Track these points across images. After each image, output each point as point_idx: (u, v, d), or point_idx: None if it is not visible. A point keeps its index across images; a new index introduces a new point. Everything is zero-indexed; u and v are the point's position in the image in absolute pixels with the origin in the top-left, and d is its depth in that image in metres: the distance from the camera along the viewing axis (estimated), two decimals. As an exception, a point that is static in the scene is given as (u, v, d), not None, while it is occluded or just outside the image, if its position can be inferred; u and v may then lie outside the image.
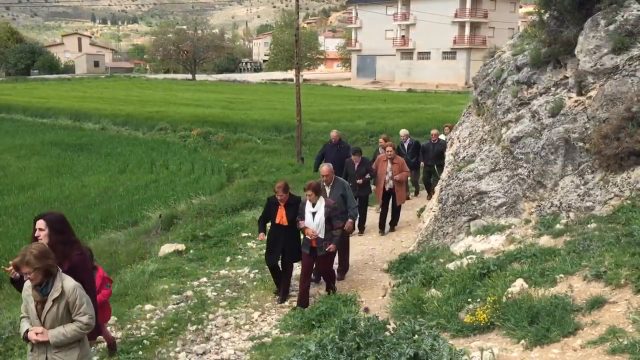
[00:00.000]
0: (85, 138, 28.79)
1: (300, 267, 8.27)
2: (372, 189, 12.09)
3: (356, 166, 11.17)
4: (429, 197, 13.60)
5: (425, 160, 14.36)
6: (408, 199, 14.03)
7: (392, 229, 11.92)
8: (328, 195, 8.55)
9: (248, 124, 30.46)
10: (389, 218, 11.98)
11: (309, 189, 7.73)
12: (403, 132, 14.73)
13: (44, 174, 20.35)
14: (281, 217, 8.09)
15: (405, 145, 14.37)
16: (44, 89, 56.80)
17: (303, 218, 7.85)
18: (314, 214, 7.73)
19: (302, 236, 8.18)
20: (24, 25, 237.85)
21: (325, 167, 8.84)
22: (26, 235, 13.28)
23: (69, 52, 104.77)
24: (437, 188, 11.04)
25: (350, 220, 8.69)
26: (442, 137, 14.78)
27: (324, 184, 8.68)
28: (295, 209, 8.07)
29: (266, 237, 8.42)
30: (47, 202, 16.38)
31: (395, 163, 11.34)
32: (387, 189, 11.36)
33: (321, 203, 7.73)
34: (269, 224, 8.47)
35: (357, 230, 11.25)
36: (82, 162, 22.82)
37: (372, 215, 12.79)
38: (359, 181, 10.96)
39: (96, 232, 13.82)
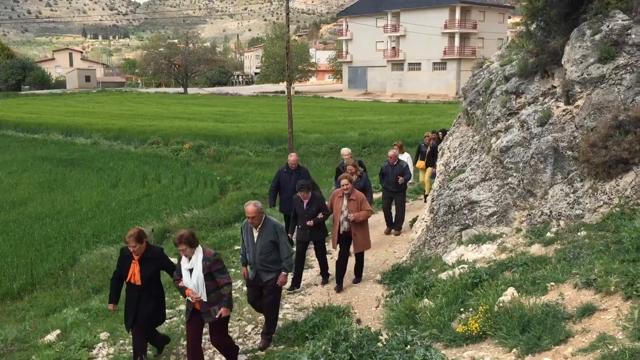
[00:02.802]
0: (77, 153, 28.76)
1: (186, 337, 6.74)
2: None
3: (305, 204, 9.09)
4: (388, 229, 12.42)
5: (384, 186, 12.43)
6: None
7: (356, 280, 9.56)
8: (255, 240, 7.11)
9: (240, 137, 30.51)
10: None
11: (181, 242, 6.14)
12: (345, 151, 12.43)
13: (35, 189, 20.30)
14: (133, 273, 6.49)
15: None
16: (35, 105, 56.69)
17: (181, 275, 6.38)
18: (190, 270, 6.24)
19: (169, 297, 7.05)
20: (14, 41, 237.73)
21: (250, 206, 6.99)
22: (18, 252, 13.29)
23: (60, 67, 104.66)
24: (428, 198, 11.07)
25: (283, 273, 7.17)
26: (402, 156, 13.30)
27: (251, 226, 7.16)
28: (154, 264, 6.59)
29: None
30: (39, 217, 16.33)
31: (353, 199, 8.95)
32: (341, 232, 9.05)
33: (197, 257, 6.21)
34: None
35: (289, 283, 9.19)
36: (74, 177, 22.77)
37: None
38: (309, 223, 8.96)
39: (88, 247, 13.78)
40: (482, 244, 7.58)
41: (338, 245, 9.24)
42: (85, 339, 7.47)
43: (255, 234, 7.13)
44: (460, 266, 7.04)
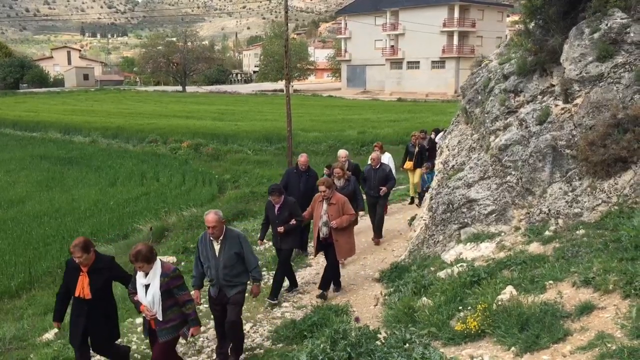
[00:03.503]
0: (75, 151, 28.76)
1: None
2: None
3: (277, 209, 8.57)
4: (376, 237, 11.76)
5: (367, 191, 11.70)
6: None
7: (321, 295, 8.70)
8: (217, 254, 6.52)
9: (239, 135, 30.53)
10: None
11: (138, 259, 5.60)
12: (342, 152, 11.88)
13: (33, 188, 20.31)
14: (82, 287, 5.90)
15: None
16: (33, 103, 56.68)
17: (136, 289, 5.83)
18: (146, 286, 5.71)
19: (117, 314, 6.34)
20: (12, 39, 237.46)
21: (211, 215, 6.46)
22: (16, 250, 13.28)
23: (59, 65, 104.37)
24: (427, 195, 11.04)
25: (255, 284, 6.81)
26: (383, 157, 12.69)
27: (211, 238, 6.55)
28: (105, 275, 6.03)
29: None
30: (37, 216, 16.34)
31: (333, 204, 8.50)
32: (321, 238, 8.64)
33: (155, 273, 5.68)
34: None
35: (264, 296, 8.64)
36: (72, 175, 22.79)
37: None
38: (280, 229, 8.48)
39: (86, 245, 13.77)
40: (481, 242, 7.58)
41: (319, 253, 8.86)
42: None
43: (217, 246, 6.53)
44: (459, 265, 7.03)
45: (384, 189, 11.42)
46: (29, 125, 37.72)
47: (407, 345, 4.41)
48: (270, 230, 8.92)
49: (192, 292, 6.58)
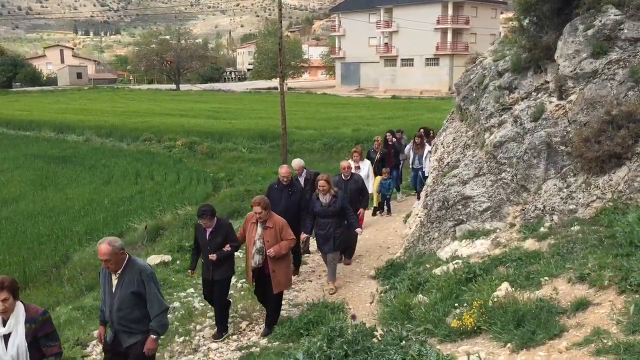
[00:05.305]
0: (69, 150, 28.66)
1: None
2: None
3: (208, 233, 7.30)
4: (347, 258, 10.29)
5: None
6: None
7: (266, 331, 7.55)
8: (114, 290, 5.27)
9: (233, 133, 30.47)
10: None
11: (3, 288, 4.42)
12: (297, 163, 10.42)
13: (27, 187, 20.22)
14: None
15: (302, 181, 10.11)
16: (27, 102, 56.40)
17: None
18: (6, 337, 4.47)
19: None
20: (5, 38, 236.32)
21: (103, 246, 5.16)
22: (10, 250, 13.21)
23: (51, 64, 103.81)
24: (422, 193, 11.06)
25: (152, 337, 5.31)
26: (364, 165, 11.89)
27: (110, 273, 5.32)
28: None
29: None
30: (31, 215, 16.27)
31: (269, 227, 7.31)
32: (253, 266, 7.41)
33: (18, 318, 4.48)
34: None
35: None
36: (66, 174, 22.70)
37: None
38: (212, 256, 7.19)
39: (81, 244, 13.75)
40: (476, 239, 7.59)
41: (254, 282, 7.67)
42: (79, 336, 7.46)
43: (115, 282, 5.26)
44: (455, 261, 7.04)
45: (362, 211, 10.35)
46: (22, 124, 37.55)
47: (404, 342, 4.40)
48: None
49: (99, 329, 5.78)
